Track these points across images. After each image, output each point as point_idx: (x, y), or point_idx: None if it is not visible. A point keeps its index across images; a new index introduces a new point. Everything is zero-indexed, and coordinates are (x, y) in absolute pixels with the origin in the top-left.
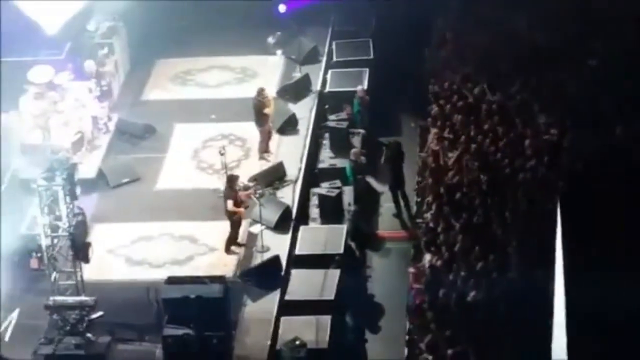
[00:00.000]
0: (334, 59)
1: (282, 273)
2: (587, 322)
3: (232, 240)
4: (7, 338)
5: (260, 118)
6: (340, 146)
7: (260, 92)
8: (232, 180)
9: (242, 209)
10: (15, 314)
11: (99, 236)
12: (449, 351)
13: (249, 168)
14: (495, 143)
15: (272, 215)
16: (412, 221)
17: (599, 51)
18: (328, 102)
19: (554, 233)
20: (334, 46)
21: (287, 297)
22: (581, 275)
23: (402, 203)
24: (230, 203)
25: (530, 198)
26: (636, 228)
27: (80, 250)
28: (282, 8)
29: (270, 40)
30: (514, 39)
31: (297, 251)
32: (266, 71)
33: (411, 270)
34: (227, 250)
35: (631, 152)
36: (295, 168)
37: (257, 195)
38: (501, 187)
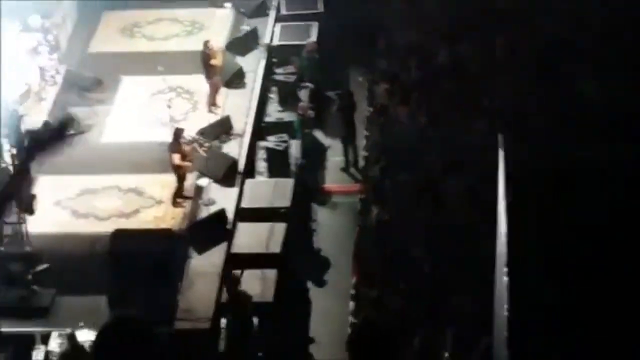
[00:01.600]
0: (283, 12)
1: (229, 226)
2: (531, 274)
3: (178, 193)
4: None
5: (208, 70)
6: (288, 100)
7: (206, 43)
8: (178, 133)
9: (188, 163)
10: None
11: (45, 188)
12: (395, 305)
13: (197, 121)
14: (447, 101)
15: (219, 168)
16: (360, 175)
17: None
18: (276, 56)
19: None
20: None
21: (233, 251)
22: (524, 232)
23: (350, 156)
24: (176, 156)
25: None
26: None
27: (25, 201)
28: None
29: None
30: None
31: (244, 204)
32: (214, 24)
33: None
34: (174, 203)
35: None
36: (242, 122)
37: (204, 149)
38: (451, 146)
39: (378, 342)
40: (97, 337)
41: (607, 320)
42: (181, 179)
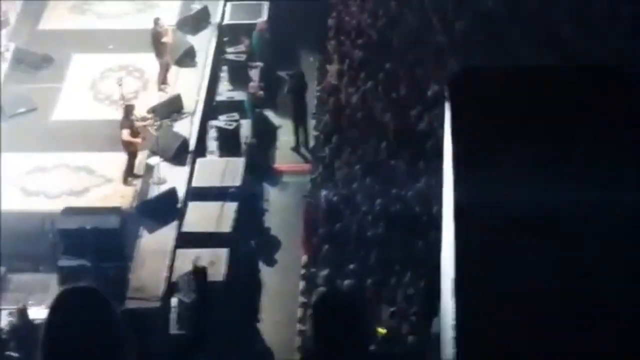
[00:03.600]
0: None
1: (179, 205)
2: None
3: (129, 171)
4: None
5: (159, 48)
6: (239, 79)
7: (157, 21)
8: (128, 110)
9: (138, 140)
10: None
11: None
12: (345, 282)
13: (147, 99)
14: (396, 84)
15: (170, 147)
16: (310, 155)
17: None
18: (227, 35)
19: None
20: None
21: (183, 229)
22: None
23: (301, 136)
24: (126, 133)
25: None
26: None
27: None
28: None
29: None
30: None
31: (194, 183)
32: (166, 2)
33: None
34: (125, 181)
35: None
36: (193, 100)
37: (155, 127)
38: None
39: (343, 309)
40: (50, 307)
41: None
42: (132, 156)
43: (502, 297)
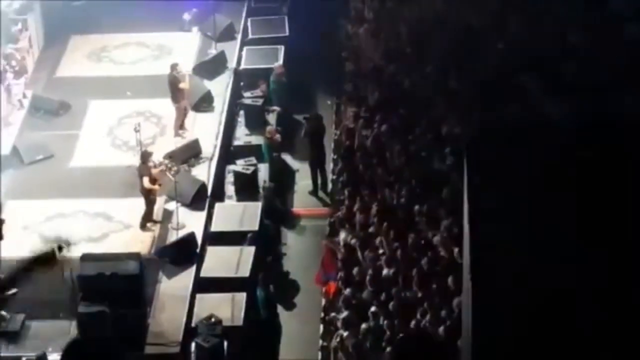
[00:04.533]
0: (250, 35)
1: (198, 250)
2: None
3: (147, 217)
4: None
5: (176, 94)
6: (256, 123)
7: (174, 67)
8: (146, 156)
9: (156, 186)
10: None
11: (13, 213)
12: (364, 326)
13: (165, 145)
14: (411, 126)
15: (188, 192)
16: (328, 199)
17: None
18: (243, 79)
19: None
20: (249, 23)
21: (202, 274)
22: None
23: (319, 180)
24: (145, 179)
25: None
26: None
27: None
28: None
29: (186, 16)
30: (434, 20)
31: (213, 228)
32: (182, 48)
33: (325, 243)
34: (143, 227)
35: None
36: (210, 145)
37: (173, 172)
38: (416, 169)
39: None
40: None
41: None
42: (150, 202)
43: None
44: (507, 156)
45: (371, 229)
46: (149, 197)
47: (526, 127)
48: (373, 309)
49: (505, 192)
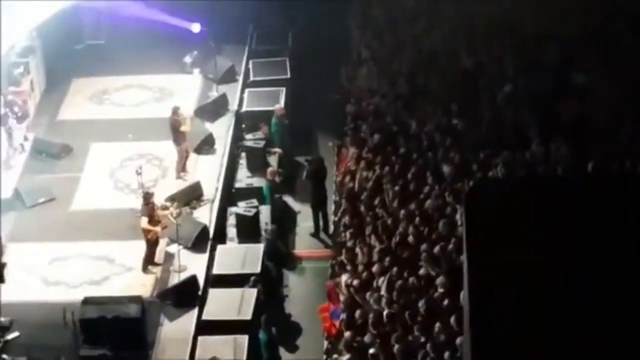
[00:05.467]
0: (251, 78)
1: (200, 292)
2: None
3: (149, 259)
4: None
5: (177, 136)
6: (257, 165)
7: (176, 110)
8: (147, 197)
9: (157, 228)
10: None
11: (15, 256)
12: None
13: (166, 187)
14: (410, 167)
15: (189, 234)
16: (330, 241)
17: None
18: (245, 122)
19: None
20: (250, 65)
21: (204, 317)
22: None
23: (321, 222)
24: (144, 220)
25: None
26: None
27: None
28: (196, 27)
29: (187, 59)
30: (432, 57)
31: (215, 271)
32: (183, 90)
33: (329, 284)
34: (145, 269)
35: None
36: (212, 187)
37: (174, 215)
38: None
39: None
40: None
41: None
42: (152, 244)
43: None
44: (507, 207)
45: (374, 269)
46: (150, 239)
47: (527, 178)
48: (372, 351)
49: (505, 246)
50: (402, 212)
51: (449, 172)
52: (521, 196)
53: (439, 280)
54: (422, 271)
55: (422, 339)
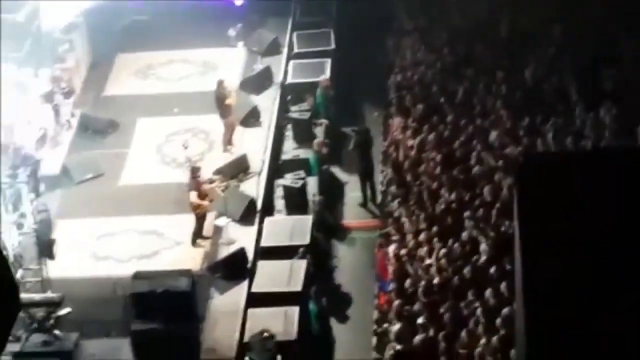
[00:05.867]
0: (295, 50)
1: (249, 265)
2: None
3: (197, 233)
4: None
5: (223, 110)
6: (303, 137)
7: (220, 83)
8: (194, 171)
9: (205, 202)
10: None
11: (64, 232)
12: (418, 338)
13: (213, 161)
14: (457, 134)
15: (237, 207)
16: (378, 210)
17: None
18: (290, 94)
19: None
20: (294, 37)
21: (254, 289)
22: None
23: (368, 192)
24: (193, 195)
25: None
26: None
27: (45, 247)
28: (239, 0)
29: (231, 32)
30: (477, 27)
31: (263, 243)
32: (227, 64)
33: (378, 254)
34: (194, 243)
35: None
36: (259, 160)
37: (222, 188)
38: (463, 176)
39: None
40: None
41: None
42: (200, 218)
43: None
44: (556, 181)
45: (420, 238)
46: (199, 213)
47: (576, 152)
48: (421, 320)
49: (554, 218)
50: (446, 178)
51: (496, 138)
52: (570, 170)
53: (483, 246)
54: (464, 236)
55: (474, 305)
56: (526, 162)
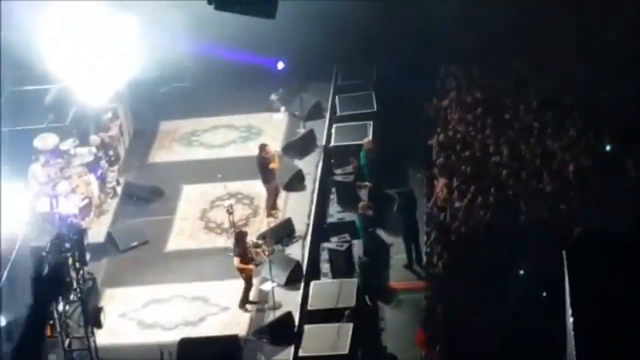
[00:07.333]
0: (338, 113)
1: (295, 329)
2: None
3: (245, 297)
4: None
5: (266, 174)
6: (348, 200)
7: (263, 147)
8: (240, 236)
9: (251, 266)
10: None
11: (111, 300)
12: None
13: (258, 225)
14: (503, 191)
15: (283, 271)
16: (423, 272)
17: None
18: (334, 157)
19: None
20: (337, 100)
21: (301, 354)
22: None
23: (414, 253)
24: (237, 260)
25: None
26: None
27: (92, 315)
28: (280, 65)
29: (273, 97)
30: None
31: (309, 306)
32: (270, 128)
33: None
34: (241, 307)
35: None
36: (303, 224)
37: (267, 253)
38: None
39: None
40: None
41: None
42: (248, 282)
43: None
44: (607, 261)
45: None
46: (244, 277)
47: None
48: None
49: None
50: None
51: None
52: (617, 251)
53: None
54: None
55: None
56: (576, 240)
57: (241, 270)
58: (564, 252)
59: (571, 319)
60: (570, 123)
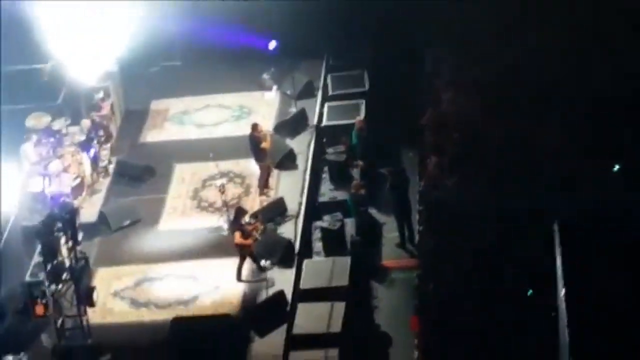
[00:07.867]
0: (330, 92)
1: (288, 308)
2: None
3: (239, 272)
4: None
5: (258, 153)
6: (340, 179)
7: (255, 127)
8: (239, 213)
9: (249, 241)
10: None
11: (103, 279)
12: None
13: (250, 204)
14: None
15: (275, 250)
16: (415, 250)
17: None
18: (325, 136)
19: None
20: (329, 79)
21: (294, 332)
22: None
23: (406, 232)
24: (238, 235)
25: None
26: None
27: (84, 294)
28: (272, 44)
29: (265, 76)
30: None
31: (302, 285)
32: (262, 108)
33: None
34: (238, 279)
35: None
36: (295, 203)
37: (259, 231)
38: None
39: None
40: None
41: None
42: (244, 258)
43: None
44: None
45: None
46: (243, 254)
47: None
48: None
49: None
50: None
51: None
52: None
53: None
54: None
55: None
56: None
57: (242, 246)
58: (555, 226)
59: (563, 291)
60: (561, 105)
